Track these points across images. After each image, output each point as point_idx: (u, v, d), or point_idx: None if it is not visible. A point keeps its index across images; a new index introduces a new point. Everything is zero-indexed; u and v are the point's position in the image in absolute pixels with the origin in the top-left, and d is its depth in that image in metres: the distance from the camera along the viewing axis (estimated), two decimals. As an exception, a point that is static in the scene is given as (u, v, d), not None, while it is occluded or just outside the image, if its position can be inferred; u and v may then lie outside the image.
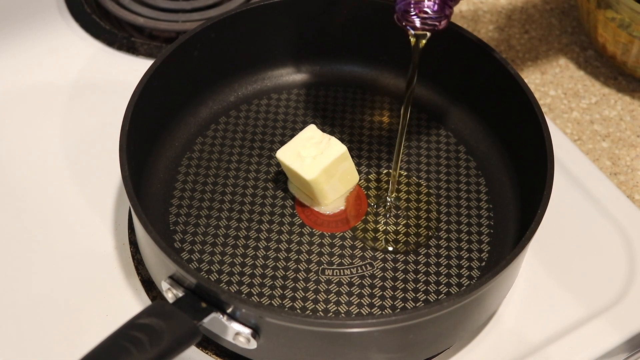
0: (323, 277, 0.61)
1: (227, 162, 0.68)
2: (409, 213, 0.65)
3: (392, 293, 0.60)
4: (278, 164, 0.67)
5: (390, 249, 0.62)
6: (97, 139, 0.71)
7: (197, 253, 0.62)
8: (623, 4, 0.73)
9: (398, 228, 0.64)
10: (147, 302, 0.62)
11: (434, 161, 0.68)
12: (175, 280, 0.54)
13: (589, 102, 0.79)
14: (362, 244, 0.62)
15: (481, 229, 0.64)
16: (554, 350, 0.61)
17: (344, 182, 0.65)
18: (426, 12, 0.55)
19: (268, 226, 0.63)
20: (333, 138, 0.63)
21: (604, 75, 0.82)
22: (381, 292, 0.60)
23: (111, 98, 0.74)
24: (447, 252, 0.62)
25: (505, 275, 0.55)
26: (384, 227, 0.64)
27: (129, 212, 0.66)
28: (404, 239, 0.63)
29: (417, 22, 0.56)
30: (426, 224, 0.64)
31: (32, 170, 0.69)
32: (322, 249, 0.62)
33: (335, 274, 0.61)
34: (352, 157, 0.68)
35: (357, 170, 0.66)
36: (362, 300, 0.60)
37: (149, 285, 0.62)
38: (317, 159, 0.62)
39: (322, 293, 0.60)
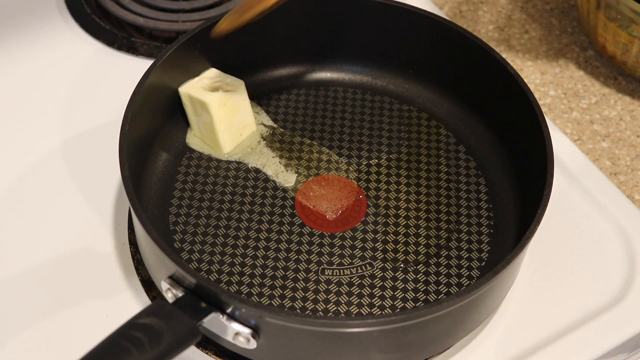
0: (323, 277, 0.61)
1: (226, 162, 0.67)
2: (408, 213, 0.65)
3: (392, 293, 0.60)
4: (278, 164, 0.67)
5: (389, 251, 0.62)
6: (97, 139, 0.71)
7: (196, 253, 0.62)
8: (623, 4, 0.73)
9: (398, 229, 0.64)
10: (147, 302, 0.62)
11: (434, 160, 0.68)
12: (175, 280, 0.54)
13: (589, 102, 0.79)
14: (362, 244, 0.62)
15: (481, 229, 0.64)
16: (553, 350, 0.61)
17: (241, 129, 0.68)
18: None
19: (268, 226, 0.63)
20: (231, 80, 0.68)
21: (603, 76, 0.82)
22: (381, 292, 0.60)
23: (111, 98, 0.74)
24: (447, 252, 0.62)
25: (505, 275, 0.55)
26: (383, 229, 0.64)
27: (128, 212, 0.66)
28: (404, 240, 0.63)
29: None
30: (426, 224, 0.64)
31: (32, 170, 0.69)
32: (322, 249, 0.62)
33: (335, 274, 0.61)
34: (351, 156, 0.68)
35: (357, 170, 0.66)
36: (362, 300, 0.60)
37: (149, 285, 0.62)
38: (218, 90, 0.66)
39: (322, 293, 0.60)
